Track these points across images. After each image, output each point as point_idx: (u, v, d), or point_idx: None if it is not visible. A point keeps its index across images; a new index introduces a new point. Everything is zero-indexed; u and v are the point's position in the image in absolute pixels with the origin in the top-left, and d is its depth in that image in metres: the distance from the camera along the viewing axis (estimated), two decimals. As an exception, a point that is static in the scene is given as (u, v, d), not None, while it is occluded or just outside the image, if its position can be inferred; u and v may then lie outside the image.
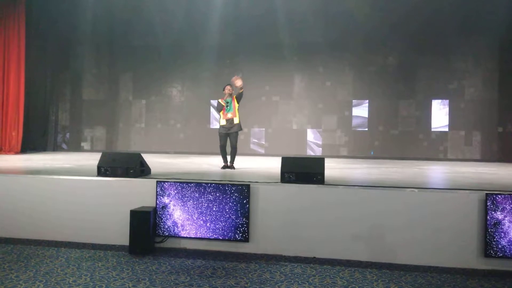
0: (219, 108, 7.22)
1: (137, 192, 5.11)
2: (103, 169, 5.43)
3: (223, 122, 7.16)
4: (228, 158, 7.28)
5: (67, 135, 12.28)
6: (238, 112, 7.19)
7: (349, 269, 4.31)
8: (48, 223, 5.24)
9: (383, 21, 10.43)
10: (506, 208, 4.33)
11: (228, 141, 7.20)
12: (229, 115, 7.10)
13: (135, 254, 4.69)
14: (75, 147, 12.15)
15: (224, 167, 7.24)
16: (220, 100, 7.24)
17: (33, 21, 10.89)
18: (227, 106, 7.12)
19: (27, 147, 10.88)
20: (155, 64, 11.74)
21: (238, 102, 7.20)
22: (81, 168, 6.93)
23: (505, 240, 4.31)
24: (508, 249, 4.31)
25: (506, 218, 4.32)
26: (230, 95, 7.14)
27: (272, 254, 4.74)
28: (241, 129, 7.28)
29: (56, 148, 12.02)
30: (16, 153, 10.27)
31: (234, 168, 7.21)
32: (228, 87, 7.18)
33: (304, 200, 4.81)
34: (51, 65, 11.80)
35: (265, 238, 4.80)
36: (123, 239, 4.89)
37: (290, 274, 4.15)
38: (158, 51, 11.62)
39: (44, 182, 5.39)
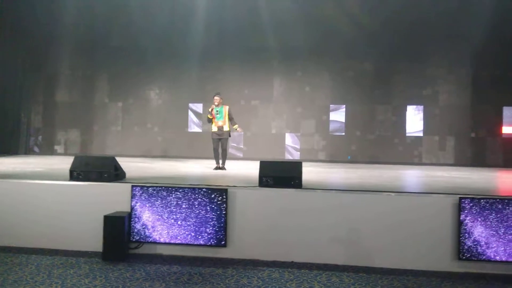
0: (209, 120, 7.87)
1: (111, 197, 4.99)
2: (76, 173, 5.28)
3: (215, 129, 7.79)
4: (220, 161, 7.88)
5: (40, 137, 11.92)
6: (229, 121, 7.79)
7: (327, 273, 4.31)
8: (18, 229, 5.05)
9: (361, 28, 10.63)
10: (479, 212, 4.42)
11: (220, 145, 7.83)
12: (220, 123, 7.75)
13: (108, 261, 4.57)
14: (48, 150, 11.80)
15: (216, 168, 7.78)
16: (209, 114, 7.75)
17: (5, 19, 10.56)
18: (217, 114, 7.72)
19: (-3, 150, 10.55)
20: (132, 66, 11.56)
21: (229, 115, 7.77)
22: (53, 172, 6.73)
23: (478, 244, 4.40)
24: (480, 252, 4.39)
25: (478, 222, 4.42)
26: (218, 105, 7.71)
27: (250, 259, 4.69)
28: (229, 135, 7.87)
29: (27, 151, 11.68)
30: (-15, 156, 9.93)
31: (225, 169, 7.76)
32: (216, 97, 7.75)
33: (282, 204, 4.79)
34: (22, 65, 11.48)
35: (243, 242, 4.76)
36: (97, 245, 4.76)
37: (267, 279, 4.12)
38: (136, 53, 11.44)
39: (14, 187, 5.20)
